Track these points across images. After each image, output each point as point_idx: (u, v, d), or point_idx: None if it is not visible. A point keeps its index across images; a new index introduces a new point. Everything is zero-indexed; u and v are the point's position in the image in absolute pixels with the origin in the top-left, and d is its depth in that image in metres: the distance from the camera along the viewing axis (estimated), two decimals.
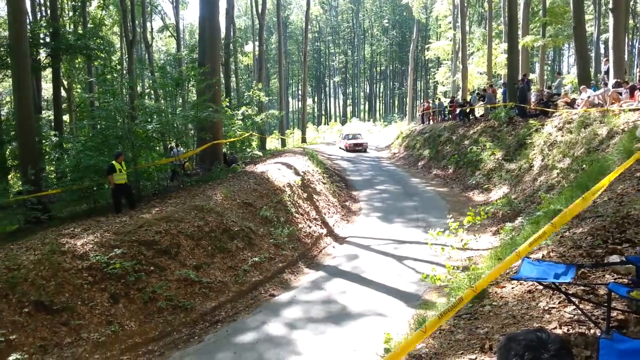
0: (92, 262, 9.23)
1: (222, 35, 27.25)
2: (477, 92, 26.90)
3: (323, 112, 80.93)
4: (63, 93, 28.05)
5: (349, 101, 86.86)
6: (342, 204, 16.91)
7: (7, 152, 22.33)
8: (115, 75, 20.65)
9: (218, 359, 7.66)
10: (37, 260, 8.95)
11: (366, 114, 80.00)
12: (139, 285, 9.21)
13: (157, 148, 18.77)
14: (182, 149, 18.05)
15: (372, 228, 14.36)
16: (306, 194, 15.59)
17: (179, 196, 14.07)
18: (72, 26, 28.57)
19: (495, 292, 5.39)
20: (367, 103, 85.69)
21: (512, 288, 5.38)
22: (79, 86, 31.94)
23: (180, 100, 21.32)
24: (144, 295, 9.06)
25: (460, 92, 32.73)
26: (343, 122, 63.62)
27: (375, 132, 46.11)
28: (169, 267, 10.05)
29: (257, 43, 39.49)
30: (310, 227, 13.94)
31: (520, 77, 20.93)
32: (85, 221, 11.63)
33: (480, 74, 38.48)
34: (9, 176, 20.95)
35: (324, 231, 14.04)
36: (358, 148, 31.92)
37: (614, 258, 5.08)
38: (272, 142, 33.16)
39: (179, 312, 9.11)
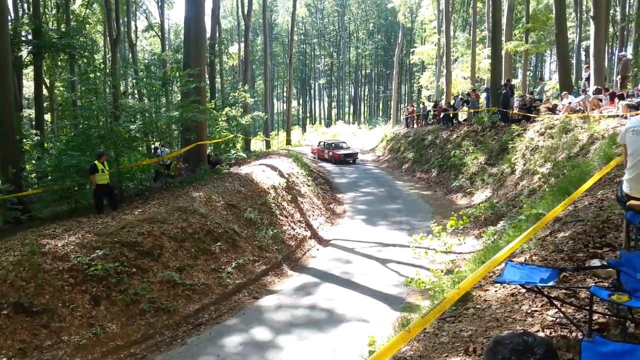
0: (73, 263, 9.08)
1: (208, 35, 27.12)
2: (460, 96, 27.17)
3: (308, 115, 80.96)
4: (45, 91, 27.61)
5: (333, 104, 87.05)
6: (326, 207, 16.93)
7: None
8: (98, 74, 20.35)
9: None
10: (16, 262, 8.79)
11: (351, 116, 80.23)
12: (120, 287, 9.09)
13: (140, 148, 18.56)
14: (166, 149, 17.87)
15: (356, 231, 14.41)
16: (290, 196, 15.58)
17: (162, 197, 13.93)
18: (55, 24, 28.16)
19: (479, 295, 5.44)
20: (351, 106, 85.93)
21: (496, 291, 5.44)
22: (61, 85, 31.49)
23: (164, 101, 21.13)
24: (126, 297, 8.95)
25: (444, 97, 33.03)
26: (328, 125, 63.71)
27: (360, 135, 46.22)
28: (152, 269, 9.94)
29: (242, 44, 39.36)
30: (294, 230, 13.93)
31: (503, 83, 21.20)
32: (66, 222, 11.45)
33: (465, 78, 38.89)
34: None
35: (308, 233, 14.04)
36: (348, 159, 27.40)
37: (595, 262, 5.18)
38: (257, 144, 33.03)
39: (161, 314, 9.02)
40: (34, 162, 19.84)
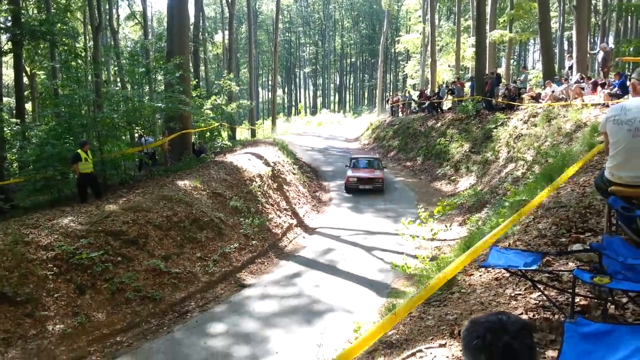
0: (57, 252, 8.98)
1: (192, 23, 26.77)
2: (445, 85, 27.27)
3: (293, 103, 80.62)
4: (25, 80, 27.05)
5: (319, 92, 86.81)
6: (312, 195, 16.96)
7: None
8: (79, 62, 20.02)
9: (188, 349, 7.61)
10: None
11: (336, 105, 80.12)
12: (106, 276, 9.03)
13: (124, 137, 18.35)
14: (150, 138, 17.70)
15: (342, 218, 14.46)
16: (276, 184, 15.56)
17: (146, 186, 13.80)
18: (35, 11, 27.51)
19: (464, 279, 5.52)
20: (337, 94, 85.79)
21: (480, 276, 5.52)
22: (42, 73, 30.88)
23: (147, 89, 20.88)
24: (111, 286, 8.89)
25: (429, 85, 33.12)
26: (313, 113, 63.59)
27: (345, 124, 46.20)
28: (137, 258, 9.88)
29: (227, 32, 38.96)
30: (280, 218, 13.94)
31: (490, 72, 21.33)
32: (49, 211, 11.28)
33: (449, 66, 39.02)
34: None
35: (294, 222, 14.07)
36: (366, 187, 17.67)
37: (577, 246, 5.27)
38: (242, 133, 32.84)
39: (147, 302, 8.99)
40: (14, 151, 19.52)
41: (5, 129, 19.66)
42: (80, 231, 9.76)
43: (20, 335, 7.53)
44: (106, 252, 9.46)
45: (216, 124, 22.85)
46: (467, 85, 26.04)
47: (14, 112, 24.39)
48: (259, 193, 14.38)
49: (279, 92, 71.16)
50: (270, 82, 62.37)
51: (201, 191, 13.18)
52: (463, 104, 21.53)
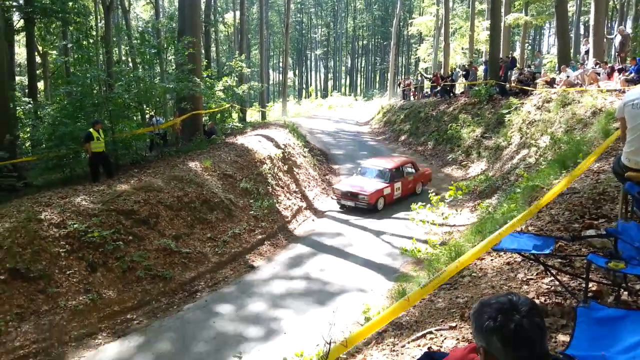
0: (69, 230, 9.08)
1: (203, 2, 26.56)
2: (463, 66, 26.94)
3: (304, 86, 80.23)
4: (37, 59, 27.08)
5: (330, 75, 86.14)
6: (322, 178, 16.94)
7: None
8: (91, 41, 19.96)
9: (197, 328, 7.69)
10: (12, 228, 8.77)
11: (347, 88, 79.57)
12: (117, 254, 9.13)
13: (135, 118, 18.37)
14: (161, 118, 17.70)
15: None
16: (286, 167, 15.55)
17: (157, 166, 13.86)
18: None
19: (475, 263, 5.50)
20: (348, 77, 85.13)
21: (492, 260, 5.49)
22: (54, 52, 30.89)
23: (158, 69, 20.83)
24: (122, 264, 8.99)
25: (442, 69, 32.74)
26: (324, 96, 63.16)
27: (356, 107, 45.91)
28: (148, 237, 9.97)
29: (238, 12, 38.64)
30: (290, 200, 13.95)
31: (506, 55, 21.02)
32: (62, 189, 11.37)
33: (463, 49, 38.50)
34: None
35: (304, 204, 14.08)
36: (349, 203, 14.17)
37: (591, 232, 5.21)
38: (253, 115, 32.74)
39: (157, 281, 9.09)
40: (27, 130, 19.63)
41: (17, 108, 19.80)
42: (92, 210, 9.85)
43: (33, 310, 7.66)
44: (117, 231, 9.56)
45: (227, 105, 22.79)
46: (481, 69, 25.66)
47: (27, 90, 24.46)
48: (269, 175, 14.38)
49: (290, 74, 70.76)
50: (281, 64, 61.98)
51: (212, 172, 13.21)
52: (476, 88, 21.27)
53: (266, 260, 10.59)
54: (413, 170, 15.32)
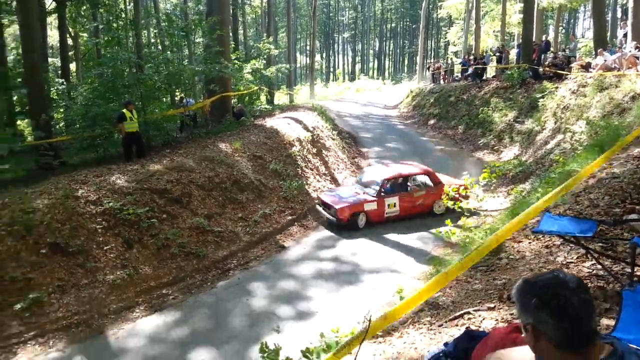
0: (105, 207, 9.32)
1: None
2: (497, 49, 26.38)
3: (331, 69, 79.74)
4: (69, 41, 27.53)
5: (357, 58, 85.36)
6: (351, 161, 16.90)
7: (14, 100, 22.20)
8: (120, 23, 20.14)
9: (230, 305, 7.84)
10: (51, 205, 9.03)
11: (375, 72, 78.77)
12: (152, 232, 9.34)
13: (165, 99, 18.59)
14: (191, 100, 17.89)
15: None
16: (315, 149, 15.56)
17: (188, 147, 14.05)
18: None
19: (512, 246, 5.44)
20: (376, 61, 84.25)
21: (529, 243, 5.43)
22: (85, 34, 31.35)
23: (187, 52, 20.97)
24: (157, 242, 9.20)
25: (473, 52, 32.07)
26: (351, 80, 62.68)
27: (384, 91, 45.45)
28: (181, 216, 10.16)
29: None
30: (319, 182, 13.99)
31: (540, 39, 20.46)
32: (96, 168, 11.64)
33: (494, 32, 37.59)
34: (17, 123, 20.88)
35: (333, 186, 14.09)
36: (329, 216, 11.59)
37: (633, 217, 5.10)
38: (280, 98, 32.73)
39: (191, 258, 9.27)
40: (61, 110, 20.06)
41: (51, 89, 20.24)
42: (127, 188, 10.07)
43: (73, 283, 7.93)
44: (152, 209, 9.76)
45: (255, 88, 22.85)
46: (513, 52, 25.04)
47: (59, 72, 24.93)
48: (299, 157, 14.43)
49: (317, 57, 70.34)
50: (308, 47, 61.67)
51: (242, 153, 13.33)
52: (508, 72, 20.80)
53: (296, 241, 10.68)
54: (430, 183, 11.91)
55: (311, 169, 14.44)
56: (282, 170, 13.29)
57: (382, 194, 11.33)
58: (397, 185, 11.80)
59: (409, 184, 11.91)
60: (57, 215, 8.82)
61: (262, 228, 10.88)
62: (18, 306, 7.34)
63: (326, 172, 14.83)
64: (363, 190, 11.76)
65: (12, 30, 30.69)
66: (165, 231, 9.50)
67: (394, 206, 11.40)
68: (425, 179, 12.04)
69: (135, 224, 9.29)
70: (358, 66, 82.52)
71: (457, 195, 10.22)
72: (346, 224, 10.97)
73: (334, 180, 14.52)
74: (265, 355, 3.84)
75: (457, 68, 31.37)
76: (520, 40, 23.69)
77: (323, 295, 8.04)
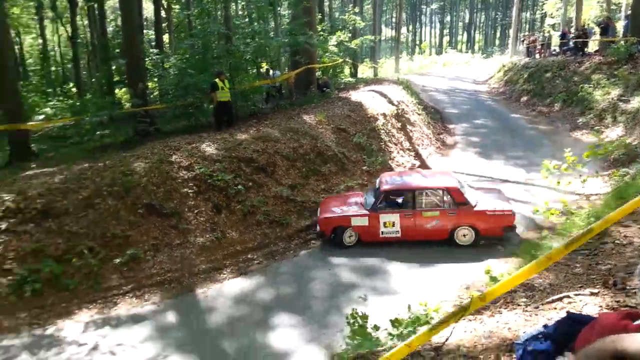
0: (196, 173, 9.76)
1: None
2: (595, 22, 24.28)
3: (417, 42, 77.43)
4: (162, 13, 28.72)
5: (445, 31, 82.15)
6: (436, 137, 16.39)
7: (113, 69, 23.68)
8: None
9: (313, 273, 7.96)
10: (147, 168, 9.60)
11: (464, 45, 75.51)
12: (239, 199, 9.67)
13: (251, 71, 18.95)
14: (277, 71, 18.11)
15: (468, 163, 13.83)
16: (400, 124, 15.24)
17: (274, 118, 14.30)
18: None
19: (619, 231, 5.01)
20: (465, 34, 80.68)
21: (639, 228, 4.97)
22: (177, 6, 32.57)
23: (273, 24, 21.14)
24: (243, 208, 9.52)
25: (573, 25, 29.70)
26: (438, 53, 60.54)
27: (474, 65, 43.45)
28: (266, 184, 10.41)
29: None
30: (403, 157, 13.72)
31: None
32: (188, 136, 12.16)
33: (598, 2, 34.55)
34: (115, 92, 22.29)
35: (417, 163, 13.76)
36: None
37: None
38: (364, 71, 32.31)
39: (275, 226, 9.50)
40: (155, 80, 21.10)
41: (146, 60, 21.33)
42: (216, 156, 10.46)
43: (166, 243, 8.43)
44: (239, 177, 10.09)
45: (340, 60, 22.68)
46: (620, 25, 22.84)
47: (153, 43, 26.14)
48: (383, 131, 14.21)
49: (403, 30, 68.55)
50: (394, 19, 60.11)
51: (325, 125, 13.34)
52: (614, 45, 19.03)
53: None
54: (450, 202, 8.95)
55: (395, 144, 14.18)
56: (366, 144, 13.17)
57: (378, 208, 8.97)
58: (401, 199, 9.23)
59: (419, 199, 9.01)
60: (153, 179, 9.36)
61: None
62: (117, 260, 7.96)
63: (410, 147, 14.50)
64: (357, 201, 9.60)
65: (112, 2, 32.57)
66: (251, 199, 9.79)
67: (392, 225, 8.89)
68: (445, 195, 8.98)
69: (224, 190, 9.65)
70: (446, 39, 79.45)
71: (494, 226, 8.56)
72: (330, 239, 9.07)
73: (418, 156, 14.16)
74: (354, 321, 3.86)
75: (555, 41, 29.23)
76: (630, 11, 21.54)
77: (405, 271, 7.93)
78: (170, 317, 7.11)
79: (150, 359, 6.18)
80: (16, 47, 27.65)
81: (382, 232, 8.89)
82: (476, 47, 72.66)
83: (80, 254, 7.87)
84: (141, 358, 6.19)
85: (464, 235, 8.86)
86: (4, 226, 7.97)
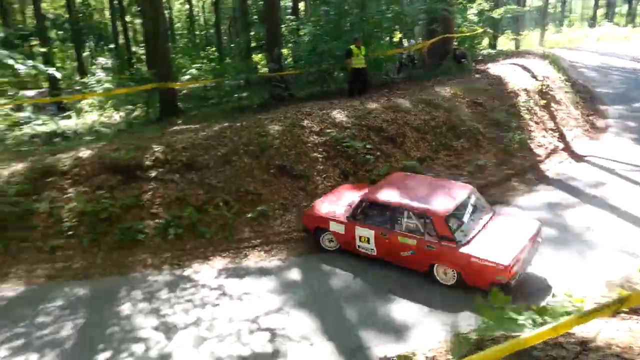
0: (326, 139, 9.93)
1: None
2: None
3: (567, 14, 70.50)
4: None
5: (600, 2, 73.73)
6: (585, 118, 14.77)
7: (251, 35, 24.70)
8: None
9: None
10: (281, 131, 9.96)
11: (624, 17, 67.22)
12: (366, 167, 9.68)
13: (384, 40, 18.52)
14: (412, 40, 17.54)
15: (621, 150, 12.31)
16: (544, 102, 13.95)
17: (406, 88, 13.93)
18: None
19: None
20: (625, 5, 71.68)
21: None
22: None
23: None
24: (370, 176, 9.53)
25: None
26: (591, 26, 54.48)
27: (634, 40, 38.47)
28: (394, 155, 10.25)
29: None
30: (545, 138, 12.59)
31: None
32: (320, 102, 12.29)
33: None
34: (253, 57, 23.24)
35: (561, 145, 12.56)
36: None
37: None
38: (505, 44, 30.15)
39: None
40: (289, 46, 21.61)
41: (282, 26, 21.87)
42: (346, 123, 10.50)
43: (295, 204, 8.78)
44: (367, 145, 10.02)
45: (480, 30, 21.31)
46: None
47: (289, 10, 26.74)
48: (523, 108, 13.13)
49: None
50: None
51: (460, 99, 12.69)
52: None
53: (511, 199, 9.79)
54: (431, 231, 6.95)
55: (536, 122, 13.04)
56: (504, 121, 12.28)
57: (357, 218, 7.58)
58: (381, 215, 7.46)
59: (399, 219, 7.25)
60: (285, 141, 9.70)
61: (475, 179, 10.24)
62: (249, 215, 8.44)
63: (554, 127, 13.25)
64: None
65: None
66: (378, 168, 9.71)
67: (367, 241, 7.48)
68: (427, 222, 6.97)
69: (352, 157, 9.70)
70: (600, 11, 71.28)
71: (476, 279, 6.54)
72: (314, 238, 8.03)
73: (562, 137, 12.91)
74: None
75: None
76: None
77: (539, 261, 7.32)
78: (294, 274, 7.46)
79: (272, 311, 6.53)
80: (166, 12, 29.96)
81: (359, 246, 7.60)
82: (638, 20, 64.22)
83: (217, 205, 8.54)
84: (264, 309, 6.58)
85: (445, 274, 6.97)
86: (154, 174, 8.80)
